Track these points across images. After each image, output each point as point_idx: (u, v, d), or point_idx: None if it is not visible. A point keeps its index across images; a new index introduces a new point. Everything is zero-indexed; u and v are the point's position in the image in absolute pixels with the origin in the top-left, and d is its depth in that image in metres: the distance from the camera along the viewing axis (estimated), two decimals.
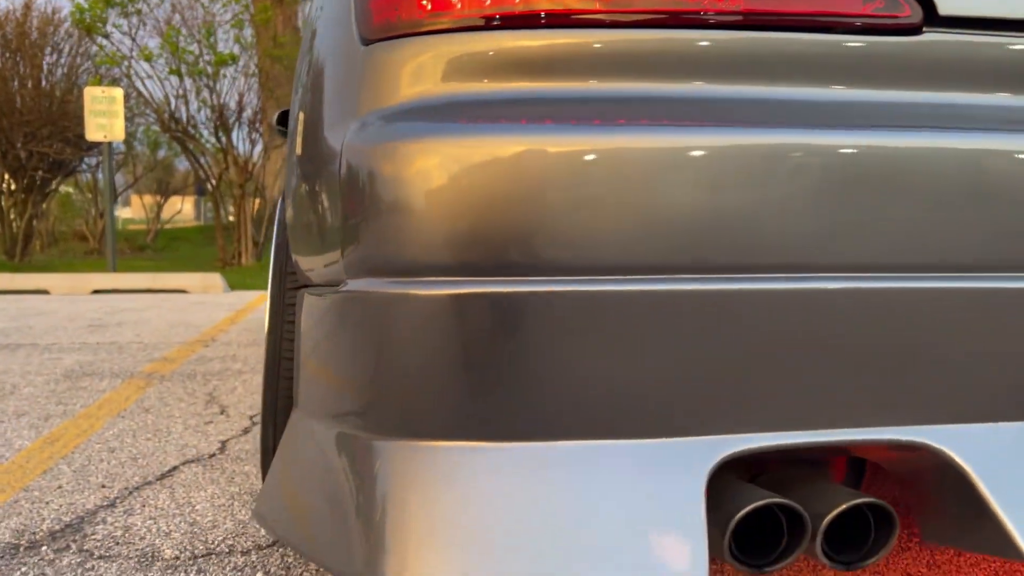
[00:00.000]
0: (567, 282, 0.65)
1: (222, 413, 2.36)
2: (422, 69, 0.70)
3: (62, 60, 9.06)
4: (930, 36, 0.70)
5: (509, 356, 0.66)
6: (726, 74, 0.69)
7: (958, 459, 0.68)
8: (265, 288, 5.97)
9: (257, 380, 2.83)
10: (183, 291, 6.00)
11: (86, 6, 7.49)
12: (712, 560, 0.73)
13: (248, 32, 8.24)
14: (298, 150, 0.89)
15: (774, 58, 0.69)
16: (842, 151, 0.66)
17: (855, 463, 0.88)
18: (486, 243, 0.65)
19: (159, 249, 11.63)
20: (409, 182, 0.66)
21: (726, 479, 0.73)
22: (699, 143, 0.65)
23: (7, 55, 8.63)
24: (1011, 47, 0.72)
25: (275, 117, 2.42)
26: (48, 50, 8.91)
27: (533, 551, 0.64)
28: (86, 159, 9.91)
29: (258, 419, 2.28)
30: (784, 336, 0.66)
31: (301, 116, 0.89)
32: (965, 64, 0.71)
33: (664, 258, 0.65)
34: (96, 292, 5.81)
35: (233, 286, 6.51)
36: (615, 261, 0.65)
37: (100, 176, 11.01)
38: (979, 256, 0.68)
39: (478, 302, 0.66)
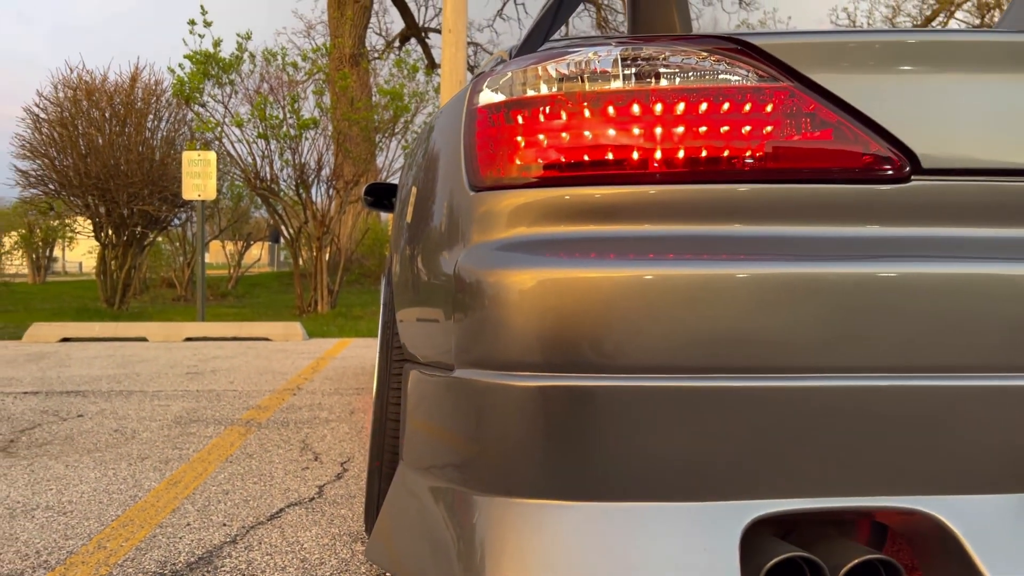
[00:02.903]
0: (626, 378, 0.79)
1: (316, 459, 2.53)
2: (517, 213, 0.88)
3: (162, 126, 9.83)
4: (917, 183, 0.85)
5: (582, 434, 0.80)
6: (751, 217, 0.85)
7: (949, 524, 0.79)
8: (340, 336, 6.20)
9: (343, 428, 2.97)
10: (266, 339, 6.25)
11: (186, 79, 8.17)
12: None
13: (326, 97, 8.75)
14: (410, 259, 1.06)
15: (789, 203, 0.85)
16: (846, 278, 0.79)
17: (877, 526, 0.94)
18: (565, 347, 0.79)
19: (239, 295, 12.26)
20: (508, 298, 0.81)
21: (763, 535, 0.84)
22: (728, 273, 0.79)
23: (116, 123, 9.43)
24: (989, 187, 0.87)
25: (364, 189, 2.60)
26: (150, 117, 9.69)
27: None
28: (179, 213, 10.62)
29: (348, 466, 2.46)
30: (798, 424, 0.79)
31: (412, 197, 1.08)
32: (948, 204, 0.86)
33: (701, 361, 0.78)
34: (188, 340, 6.19)
35: (311, 333, 6.70)
36: (661, 363, 0.79)
37: (190, 228, 11.78)
38: (965, 359, 0.80)
39: (558, 392, 0.80)
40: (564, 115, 0.85)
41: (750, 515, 0.79)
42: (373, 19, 15.43)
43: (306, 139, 8.40)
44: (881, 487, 0.80)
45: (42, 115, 9.73)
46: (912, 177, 0.85)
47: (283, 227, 9.22)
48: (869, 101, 0.83)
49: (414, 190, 1.15)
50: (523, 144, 0.86)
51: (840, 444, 0.79)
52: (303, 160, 8.40)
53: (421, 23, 17.16)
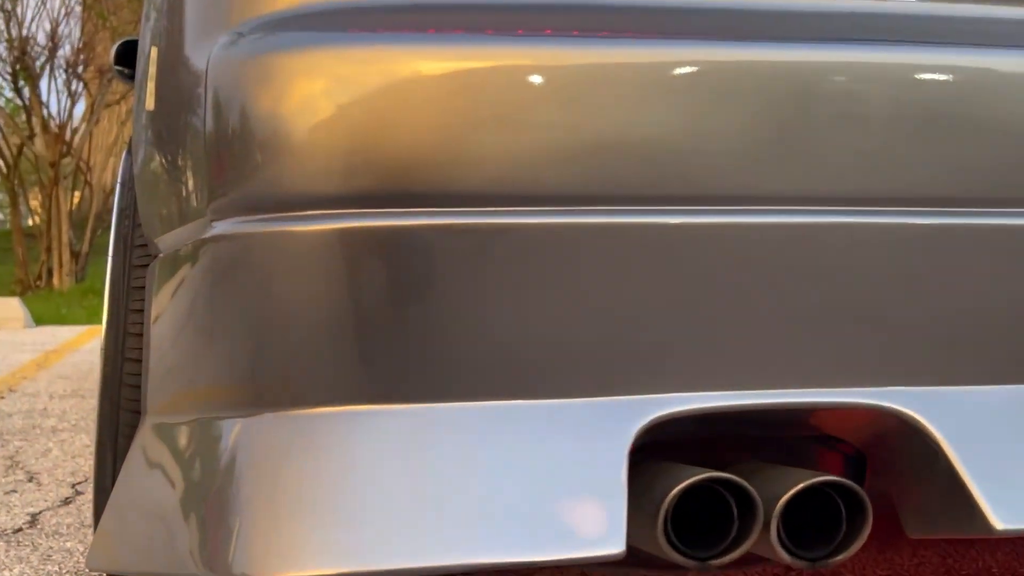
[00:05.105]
0: (473, 214, 0.77)
1: (31, 480, 2.38)
2: None
3: None
4: None
5: (405, 302, 0.78)
6: None
7: (928, 425, 0.81)
8: (88, 322, 5.71)
9: (80, 440, 2.84)
10: None
11: None
12: (656, 559, 0.83)
13: None
14: (150, 92, 1.00)
15: None
16: (803, 65, 0.82)
17: (850, 462, 0.97)
18: (380, 168, 0.77)
19: None
20: (289, 99, 0.78)
21: (665, 464, 0.84)
22: (629, 56, 0.79)
23: None
24: None
25: (113, 52, 2.40)
26: None
27: (428, 525, 0.75)
28: None
29: (83, 487, 2.31)
30: (723, 277, 0.80)
31: (154, 51, 1.01)
32: None
33: (580, 187, 0.78)
34: None
35: (40, 319, 6.34)
36: (529, 190, 0.78)
37: None
38: (959, 189, 0.83)
39: (369, 237, 0.78)
40: None
41: (645, 416, 0.79)
42: None
43: None
44: (839, 376, 0.82)
45: None
46: None
47: None
48: None
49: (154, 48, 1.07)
50: None
51: (782, 309, 0.81)
52: (27, 32, 7.32)
53: None
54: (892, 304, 0.83)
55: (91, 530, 1.88)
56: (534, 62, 0.79)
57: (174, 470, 0.90)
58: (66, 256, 7.95)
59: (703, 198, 0.80)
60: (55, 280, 8.01)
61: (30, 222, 8.73)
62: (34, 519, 2.04)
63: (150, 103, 0.99)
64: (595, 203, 0.79)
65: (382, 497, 0.76)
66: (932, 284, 0.83)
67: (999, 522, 0.79)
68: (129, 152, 1.29)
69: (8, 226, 10.52)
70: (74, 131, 7.66)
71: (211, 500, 0.81)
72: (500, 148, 0.78)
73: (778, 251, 0.81)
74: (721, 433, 0.93)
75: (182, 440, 0.89)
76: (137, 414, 1.15)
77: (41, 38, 7.36)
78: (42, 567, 1.72)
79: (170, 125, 0.94)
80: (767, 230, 0.81)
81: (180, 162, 0.90)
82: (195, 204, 0.86)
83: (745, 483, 0.79)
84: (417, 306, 0.78)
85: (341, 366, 0.79)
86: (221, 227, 0.82)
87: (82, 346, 5.14)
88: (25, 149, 7.74)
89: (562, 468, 0.78)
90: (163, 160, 0.97)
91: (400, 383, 0.79)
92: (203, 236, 0.83)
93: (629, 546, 0.77)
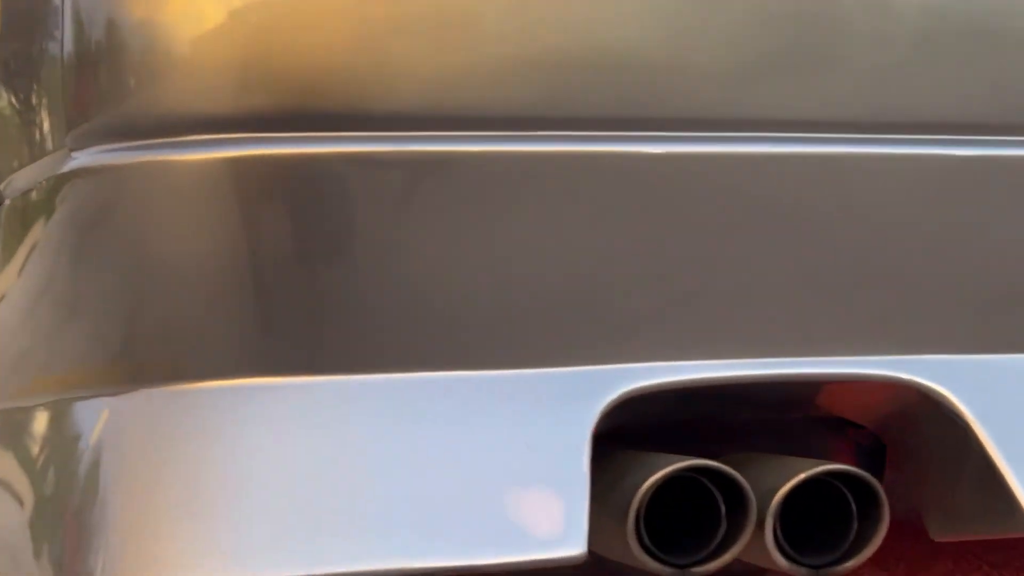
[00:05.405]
0: (398, 140, 0.72)
1: None
2: None
3: None
4: None
5: (312, 250, 0.72)
6: None
7: (956, 401, 0.76)
8: None
9: None
10: None
11: None
12: (625, 569, 0.80)
13: None
14: None
15: None
16: None
17: (864, 452, 0.95)
18: (282, 82, 0.71)
19: None
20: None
21: (637, 452, 0.80)
22: None
23: None
24: None
25: None
26: None
27: (337, 524, 0.69)
28: None
29: None
30: (708, 219, 0.75)
31: None
32: None
33: (536, 108, 0.73)
34: None
35: None
36: (467, 110, 0.73)
37: None
38: (994, 115, 0.80)
39: (267, 168, 0.72)
40: None
41: (612, 390, 0.74)
42: None
43: None
44: (837, 341, 0.78)
45: None
46: None
47: None
48: None
49: None
50: None
51: (763, 256, 0.77)
52: None
53: None
54: (913, 253, 0.79)
55: None
56: None
57: (23, 465, 0.85)
58: None
59: (685, 122, 0.76)
60: None
61: None
62: None
63: None
64: (550, 128, 0.74)
65: (280, 491, 0.71)
66: (963, 227, 0.79)
67: None
68: None
69: None
70: None
71: (68, 501, 0.76)
72: (432, 58, 0.73)
73: (774, 188, 0.77)
74: (706, 415, 0.89)
75: (35, 427, 0.84)
76: None
77: None
78: None
79: (20, 37, 0.89)
80: (761, 162, 0.77)
81: (32, 80, 0.86)
82: (51, 132, 0.82)
83: (735, 473, 0.74)
84: (327, 255, 0.73)
85: (232, 329, 0.74)
86: (83, 158, 0.76)
87: None
88: None
89: (509, 454, 0.73)
90: (10, 81, 0.91)
91: (306, 350, 0.74)
92: (60, 171, 0.78)
93: (593, 553, 0.72)
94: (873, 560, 0.81)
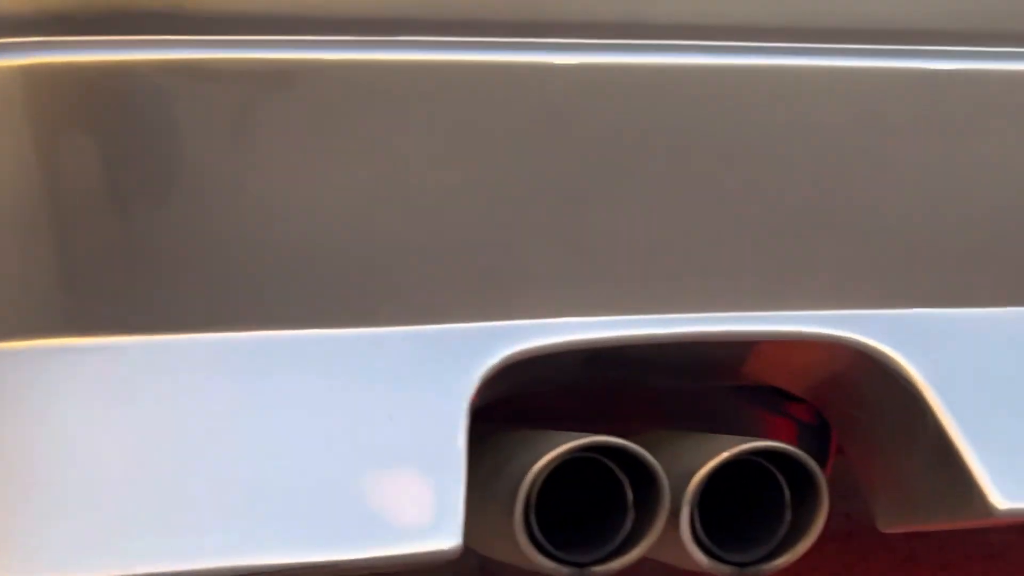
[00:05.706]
0: (219, 45, 0.66)
1: None
2: None
3: None
4: None
5: (121, 180, 0.67)
6: None
7: (905, 364, 0.72)
8: None
9: None
10: None
11: None
12: (510, 569, 0.78)
13: None
14: None
15: None
16: None
17: (806, 432, 0.93)
18: None
19: None
20: None
21: (527, 430, 0.77)
22: None
23: None
24: None
25: None
26: None
27: (163, 514, 0.64)
28: None
29: None
30: (604, 142, 0.70)
31: None
32: None
33: (391, 7, 0.69)
34: None
35: None
36: (304, 9, 0.68)
37: None
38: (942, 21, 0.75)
39: (63, 78, 0.66)
40: None
41: (492, 353, 0.70)
42: None
43: None
44: (760, 291, 0.74)
45: None
46: None
47: None
48: None
49: None
50: None
51: (671, 189, 0.72)
52: None
53: None
54: (851, 188, 0.74)
55: None
56: None
57: None
58: None
59: (583, 27, 0.71)
60: None
61: None
62: None
63: None
64: (419, 32, 0.70)
65: (86, 476, 0.66)
66: (906, 152, 0.74)
67: (1003, 500, 0.72)
68: None
69: None
70: None
71: None
72: None
73: (687, 108, 0.72)
74: (611, 386, 0.86)
75: None
76: None
77: None
78: None
79: None
80: (673, 76, 0.71)
81: None
82: None
83: (644, 452, 0.70)
84: (142, 190, 0.67)
85: (30, 279, 0.68)
86: None
87: None
88: None
89: (367, 428, 0.68)
90: None
91: (118, 304, 0.68)
92: None
93: (472, 551, 0.71)
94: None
